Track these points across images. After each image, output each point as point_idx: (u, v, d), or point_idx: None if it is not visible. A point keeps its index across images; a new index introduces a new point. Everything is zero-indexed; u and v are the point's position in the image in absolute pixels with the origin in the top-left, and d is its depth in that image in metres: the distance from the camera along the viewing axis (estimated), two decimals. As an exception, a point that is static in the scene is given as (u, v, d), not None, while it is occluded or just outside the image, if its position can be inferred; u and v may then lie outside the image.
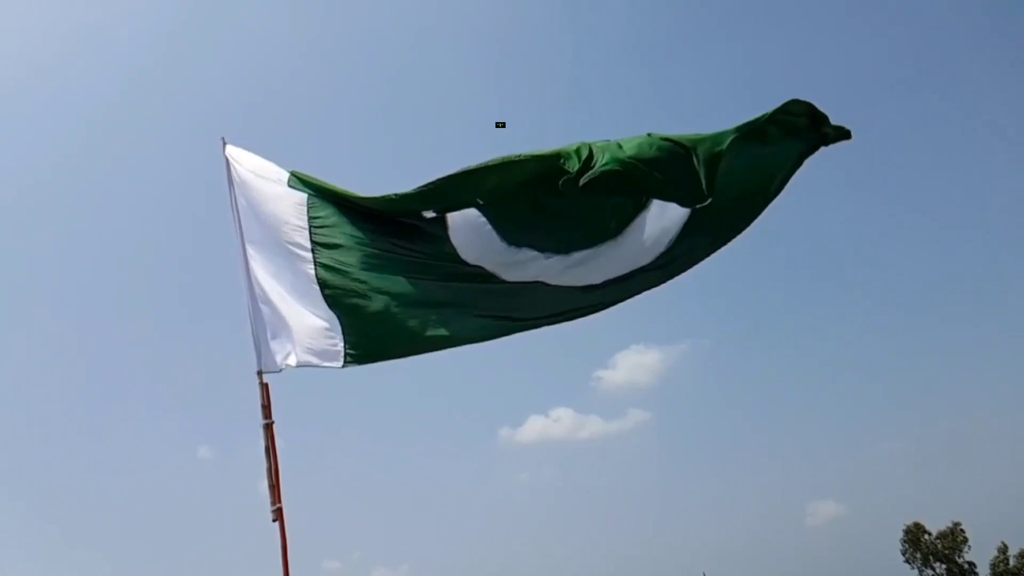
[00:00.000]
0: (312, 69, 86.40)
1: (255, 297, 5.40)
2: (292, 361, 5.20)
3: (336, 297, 5.14)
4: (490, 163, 4.79)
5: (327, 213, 5.30)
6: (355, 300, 5.10)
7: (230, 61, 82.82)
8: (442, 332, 5.10)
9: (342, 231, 5.22)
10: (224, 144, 5.69)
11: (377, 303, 5.06)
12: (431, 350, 5.21)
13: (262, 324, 5.33)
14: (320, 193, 5.38)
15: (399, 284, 5.08)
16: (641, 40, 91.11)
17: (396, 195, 5.08)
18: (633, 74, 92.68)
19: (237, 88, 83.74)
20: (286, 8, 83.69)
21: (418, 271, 5.11)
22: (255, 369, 5.21)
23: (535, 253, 5.09)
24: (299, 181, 5.45)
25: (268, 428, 5.05)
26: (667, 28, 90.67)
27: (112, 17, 76.81)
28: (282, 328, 5.29)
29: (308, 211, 5.31)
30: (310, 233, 5.26)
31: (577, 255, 5.11)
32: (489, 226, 5.04)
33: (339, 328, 5.11)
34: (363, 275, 5.11)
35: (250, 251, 5.48)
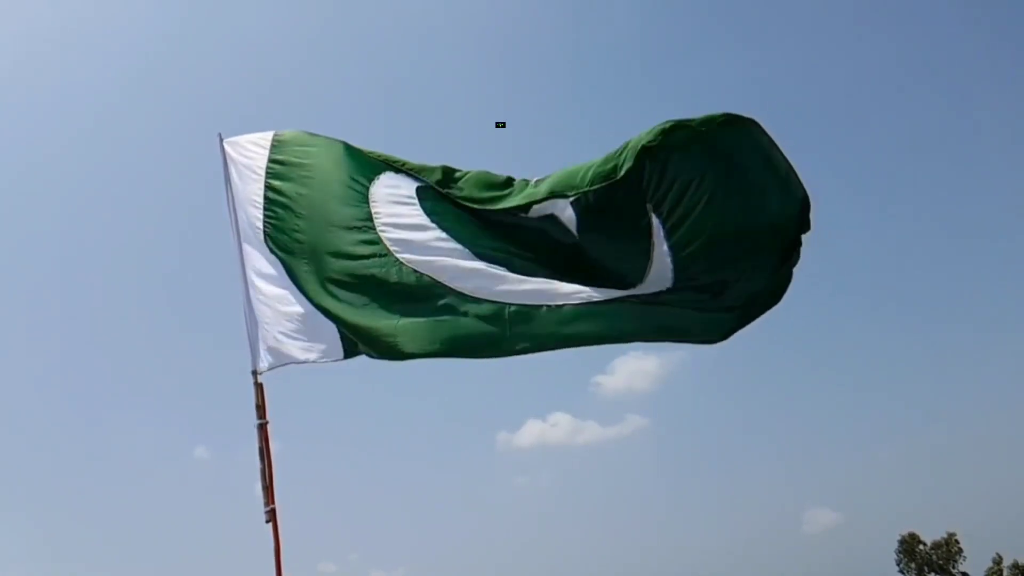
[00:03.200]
0: (311, 67, 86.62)
1: (250, 296, 5.34)
2: (281, 359, 5.14)
3: (310, 294, 5.06)
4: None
5: (283, 212, 5.25)
6: (329, 298, 4.98)
7: (229, 58, 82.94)
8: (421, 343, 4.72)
9: (301, 230, 5.15)
10: (221, 141, 5.61)
11: (346, 304, 4.91)
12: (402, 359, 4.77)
13: (257, 323, 5.28)
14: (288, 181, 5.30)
15: (368, 294, 4.88)
16: (642, 40, 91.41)
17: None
18: (634, 74, 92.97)
19: (235, 85, 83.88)
20: (286, 6, 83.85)
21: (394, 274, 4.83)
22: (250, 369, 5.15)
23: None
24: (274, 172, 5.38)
25: (262, 428, 4.99)
26: (669, 29, 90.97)
27: (110, 15, 76.89)
28: (274, 327, 5.22)
29: (264, 206, 5.30)
30: (265, 234, 5.24)
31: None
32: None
33: (317, 326, 5.05)
34: (329, 281, 4.97)
35: (246, 249, 5.42)
